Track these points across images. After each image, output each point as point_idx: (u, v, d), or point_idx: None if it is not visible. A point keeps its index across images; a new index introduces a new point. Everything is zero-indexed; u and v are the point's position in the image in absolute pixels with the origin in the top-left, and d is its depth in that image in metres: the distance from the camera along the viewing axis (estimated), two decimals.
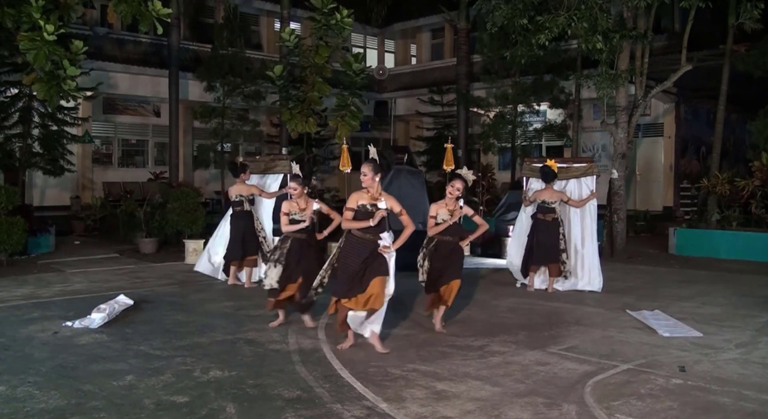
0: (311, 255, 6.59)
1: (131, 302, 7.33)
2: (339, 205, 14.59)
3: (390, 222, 5.81)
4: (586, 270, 8.82)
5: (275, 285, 6.47)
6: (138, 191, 17.17)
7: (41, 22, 7.94)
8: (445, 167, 11.81)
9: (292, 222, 6.62)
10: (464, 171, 6.90)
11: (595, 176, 9.05)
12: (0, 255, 10.41)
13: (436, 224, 6.56)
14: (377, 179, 5.70)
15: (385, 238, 5.70)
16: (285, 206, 6.74)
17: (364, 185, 5.71)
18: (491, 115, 18.51)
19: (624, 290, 8.82)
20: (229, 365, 5.27)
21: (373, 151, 6.08)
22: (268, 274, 6.52)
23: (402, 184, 10.54)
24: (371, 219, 5.55)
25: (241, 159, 9.64)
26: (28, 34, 8.10)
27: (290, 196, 6.99)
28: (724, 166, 15.80)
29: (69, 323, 6.53)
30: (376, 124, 25.36)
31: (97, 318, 6.55)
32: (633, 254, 12.16)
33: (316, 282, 5.99)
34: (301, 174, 6.98)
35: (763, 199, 12.51)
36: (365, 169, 5.71)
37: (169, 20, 9.56)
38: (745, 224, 12.67)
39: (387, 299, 5.65)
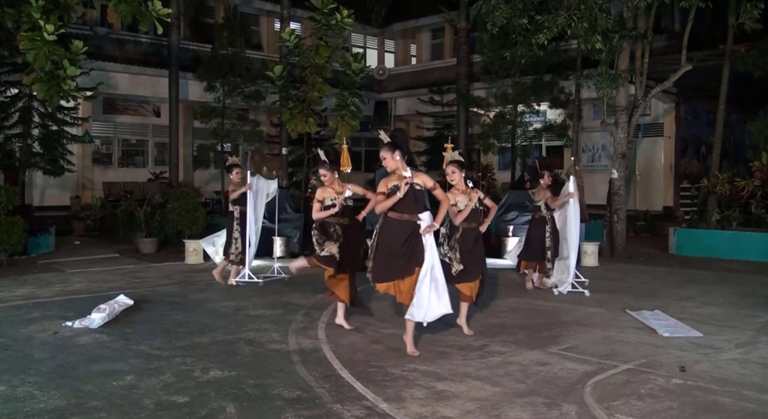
0: (357, 238, 6.48)
1: (131, 302, 7.33)
2: None
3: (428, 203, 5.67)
4: (559, 270, 8.81)
5: (335, 253, 6.32)
6: (138, 191, 17.18)
7: (41, 22, 7.94)
8: (445, 167, 11.80)
9: (326, 208, 6.48)
10: (450, 153, 6.71)
11: (572, 176, 8.74)
12: (0, 255, 10.41)
13: (459, 212, 6.39)
14: (398, 157, 5.51)
15: (425, 219, 5.59)
16: (319, 193, 6.57)
17: (388, 169, 5.57)
18: (491, 115, 18.51)
19: (624, 290, 8.82)
20: (229, 365, 5.26)
21: (382, 135, 5.78)
22: (326, 247, 6.38)
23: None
24: (398, 191, 5.41)
25: (231, 159, 9.50)
26: (28, 34, 8.10)
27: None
28: (724, 166, 15.81)
29: (69, 323, 6.52)
30: (376, 124, 25.35)
31: (97, 318, 6.55)
32: (633, 254, 12.16)
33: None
34: (327, 159, 6.65)
35: (763, 199, 12.51)
36: (383, 153, 5.55)
37: (169, 20, 9.56)
38: (745, 224, 12.67)
39: (440, 285, 5.55)
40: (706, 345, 6.00)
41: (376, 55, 26.67)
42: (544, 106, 18.77)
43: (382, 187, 5.62)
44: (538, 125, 18.43)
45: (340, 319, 6.61)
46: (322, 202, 6.53)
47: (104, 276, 9.79)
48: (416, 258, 5.53)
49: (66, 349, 5.72)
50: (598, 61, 11.56)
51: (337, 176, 6.59)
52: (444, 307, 5.62)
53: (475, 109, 19.60)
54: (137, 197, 14.98)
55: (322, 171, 6.54)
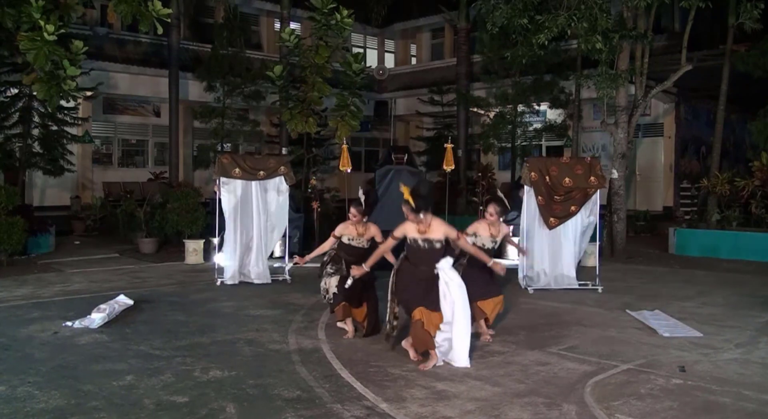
0: (369, 281, 6.33)
1: (131, 302, 7.33)
2: (339, 205, 14.64)
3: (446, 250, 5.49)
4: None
5: (335, 290, 6.23)
6: (138, 191, 17.16)
7: (41, 22, 7.93)
8: (445, 167, 11.83)
9: (349, 248, 6.39)
10: (500, 193, 6.65)
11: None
12: (0, 255, 10.41)
13: (474, 244, 6.24)
14: (428, 218, 5.33)
15: (443, 268, 5.37)
16: (339, 229, 6.48)
17: (411, 220, 5.37)
18: (491, 115, 18.51)
19: (624, 290, 8.82)
20: (229, 365, 5.26)
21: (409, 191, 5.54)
22: (327, 284, 6.30)
23: (402, 183, 10.51)
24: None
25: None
26: (28, 34, 8.09)
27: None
28: (724, 166, 15.80)
29: (69, 323, 6.52)
30: (376, 124, 25.37)
31: (97, 318, 6.55)
32: (633, 254, 12.16)
33: (389, 317, 5.62)
34: (363, 202, 6.59)
35: (763, 199, 12.50)
36: (410, 215, 5.38)
37: (169, 20, 9.55)
38: (745, 224, 12.67)
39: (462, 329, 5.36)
40: (706, 345, 6.00)
41: (376, 55, 26.67)
42: (544, 106, 18.76)
43: (399, 232, 5.45)
44: (538, 125, 18.42)
45: (341, 324, 6.54)
46: (339, 238, 6.44)
47: (104, 276, 9.79)
48: (437, 299, 5.32)
49: (66, 349, 5.72)
50: (598, 61, 11.55)
51: (365, 220, 6.46)
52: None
53: (475, 109, 19.60)
54: (137, 197, 14.97)
55: (353, 210, 6.38)
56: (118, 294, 7.50)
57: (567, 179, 8.94)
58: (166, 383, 4.82)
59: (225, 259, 9.44)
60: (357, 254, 6.36)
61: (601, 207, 9.37)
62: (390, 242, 5.60)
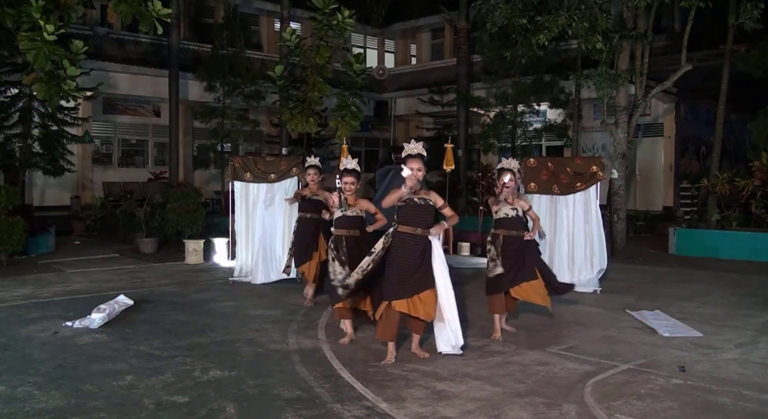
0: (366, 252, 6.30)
1: (131, 302, 7.33)
2: None
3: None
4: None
5: (359, 277, 5.94)
6: (138, 191, 17.17)
7: (41, 22, 7.93)
8: (445, 167, 11.82)
9: (341, 220, 6.32)
10: (508, 162, 6.51)
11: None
12: (0, 255, 10.41)
13: (499, 219, 6.38)
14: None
15: (434, 236, 5.46)
16: (325, 194, 6.62)
17: (414, 181, 5.35)
18: (491, 115, 18.51)
19: (624, 290, 8.82)
20: (229, 365, 5.26)
21: (416, 146, 5.56)
22: (350, 278, 5.96)
23: (402, 183, 10.50)
24: (403, 187, 5.33)
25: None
26: (28, 34, 8.09)
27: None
28: (724, 166, 15.80)
29: (69, 323, 6.52)
30: (376, 124, 25.38)
31: (97, 318, 6.55)
32: (633, 254, 12.15)
33: (347, 279, 5.51)
34: (358, 167, 6.44)
35: (763, 199, 12.50)
36: (419, 164, 5.42)
37: (169, 20, 9.55)
38: (745, 224, 12.66)
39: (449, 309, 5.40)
40: (706, 345, 6.00)
41: (376, 55, 26.67)
42: (544, 106, 18.76)
43: (387, 202, 5.46)
44: (538, 125, 18.42)
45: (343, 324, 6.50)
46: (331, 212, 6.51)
47: (104, 276, 9.79)
48: (432, 274, 5.38)
49: (66, 349, 5.72)
50: (598, 61, 11.56)
51: (356, 187, 6.44)
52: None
53: (475, 109, 19.60)
54: (137, 197, 14.97)
55: (350, 179, 6.28)
56: (118, 294, 7.50)
57: (568, 168, 9.00)
58: (166, 383, 4.82)
59: (237, 258, 9.51)
60: (354, 226, 6.33)
61: (601, 207, 9.37)
62: (380, 216, 5.70)
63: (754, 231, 12.18)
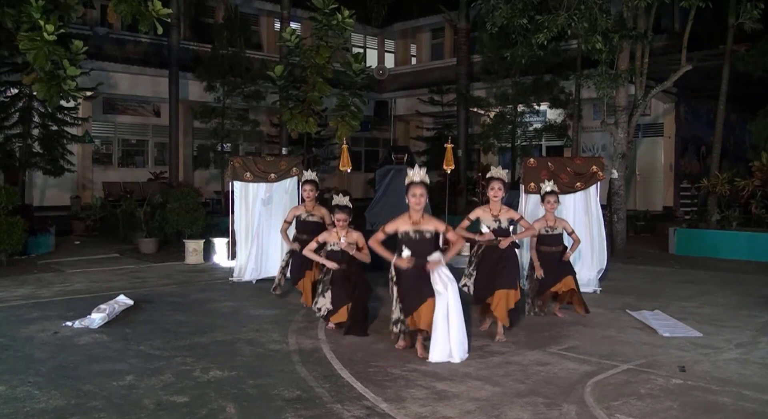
0: (357, 281, 6.41)
1: (131, 302, 7.33)
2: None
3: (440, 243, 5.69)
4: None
5: (330, 308, 6.31)
6: (138, 191, 17.18)
7: (41, 22, 7.93)
8: (445, 167, 11.81)
9: (330, 254, 6.48)
10: (497, 170, 6.60)
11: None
12: (0, 255, 10.41)
13: (480, 233, 6.42)
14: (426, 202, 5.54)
15: (435, 257, 5.49)
16: (323, 236, 6.61)
17: (416, 207, 5.44)
18: (491, 115, 18.53)
19: (624, 290, 8.81)
20: (229, 365, 5.27)
21: (423, 175, 5.61)
22: (319, 302, 6.38)
23: (402, 183, 10.49)
24: (396, 258, 5.46)
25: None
26: (28, 34, 8.09)
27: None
28: (724, 166, 15.80)
29: (69, 323, 6.53)
30: (376, 124, 25.39)
31: (97, 318, 6.55)
32: (633, 254, 12.16)
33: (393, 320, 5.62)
34: (349, 204, 6.62)
35: (763, 199, 12.50)
36: (420, 190, 5.45)
37: (169, 20, 9.55)
38: (745, 224, 12.66)
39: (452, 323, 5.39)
40: (706, 345, 6.00)
41: (376, 55, 26.68)
42: (544, 106, 18.77)
43: (390, 228, 5.56)
44: (538, 125, 18.43)
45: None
46: (323, 245, 6.58)
47: (104, 276, 9.79)
48: (430, 287, 5.45)
49: (66, 349, 5.72)
50: (598, 61, 11.56)
51: (348, 222, 6.57)
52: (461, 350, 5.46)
53: (475, 109, 19.61)
54: (137, 197, 14.98)
55: (341, 215, 6.46)
56: (118, 294, 7.50)
57: (568, 168, 9.01)
58: (166, 383, 4.82)
59: (237, 258, 9.54)
60: (343, 260, 6.47)
61: (602, 207, 9.37)
62: (380, 235, 5.64)
63: (754, 231, 12.18)
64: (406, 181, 5.57)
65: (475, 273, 6.51)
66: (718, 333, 6.48)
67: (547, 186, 7.28)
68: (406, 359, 5.48)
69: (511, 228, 6.53)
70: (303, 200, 7.94)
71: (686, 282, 9.54)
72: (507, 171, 6.86)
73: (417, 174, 5.55)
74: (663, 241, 13.21)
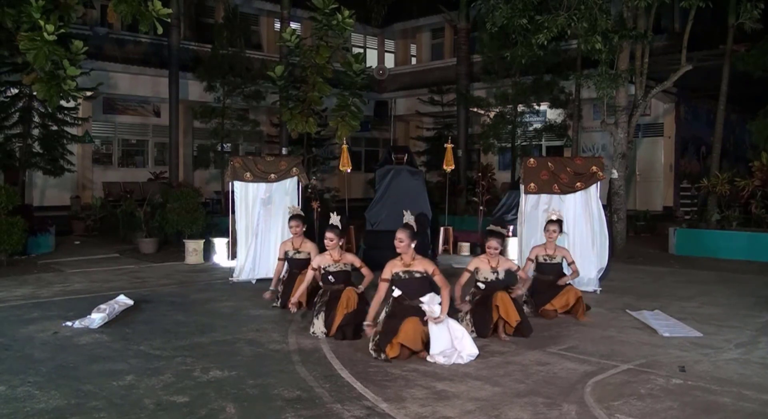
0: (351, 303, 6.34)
1: (131, 302, 7.33)
2: (339, 205, 14.64)
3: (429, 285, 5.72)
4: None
5: (324, 331, 6.24)
6: (138, 191, 17.18)
7: (41, 22, 7.93)
8: (445, 167, 11.83)
9: (325, 277, 6.51)
10: (496, 227, 6.54)
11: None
12: (0, 255, 10.41)
13: (477, 282, 6.45)
14: (413, 246, 5.70)
15: (427, 302, 5.49)
16: (317, 260, 6.64)
17: (399, 251, 5.70)
18: (491, 115, 18.53)
19: (624, 290, 8.81)
20: (229, 365, 5.26)
21: (409, 217, 5.93)
22: (314, 326, 6.29)
23: (402, 183, 10.53)
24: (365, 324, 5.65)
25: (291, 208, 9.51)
26: (28, 34, 8.09)
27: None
28: (724, 166, 15.80)
29: (69, 323, 6.52)
30: (376, 124, 25.39)
31: (97, 318, 6.55)
32: (633, 254, 12.15)
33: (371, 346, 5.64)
34: (339, 224, 6.72)
35: (763, 199, 12.49)
36: (401, 235, 5.67)
37: (169, 20, 9.55)
38: (745, 224, 12.66)
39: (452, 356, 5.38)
40: (706, 345, 6.00)
41: (376, 55, 26.69)
42: (544, 106, 18.78)
43: (386, 273, 5.75)
44: (538, 125, 18.44)
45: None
46: (317, 269, 6.63)
47: (104, 276, 9.79)
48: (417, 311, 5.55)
49: (66, 349, 5.72)
50: (598, 61, 11.56)
51: (340, 244, 6.62)
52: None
53: (475, 109, 19.61)
54: (137, 197, 14.97)
55: (330, 235, 6.53)
56: (118, 294, 7.49)
57: (568, 168, 9.01)
58: (166, 383, 4.82)
59: (237, 258, 9.55)
60: (339, 281, 6.50)
61: (602, 207, 9.37)
62: (383, 286, 5.76)
63: (753, 231, 12.17)
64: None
65: (472, 318, 6.29)
66: (718, 333, 6.48)
67: (553, 215, 7.28)
68: (407, 359, 5.47)
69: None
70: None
71: (686, 282, 9.53)
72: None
73: (406, 219, 5.86)
74: (663, 241, 13.21)
